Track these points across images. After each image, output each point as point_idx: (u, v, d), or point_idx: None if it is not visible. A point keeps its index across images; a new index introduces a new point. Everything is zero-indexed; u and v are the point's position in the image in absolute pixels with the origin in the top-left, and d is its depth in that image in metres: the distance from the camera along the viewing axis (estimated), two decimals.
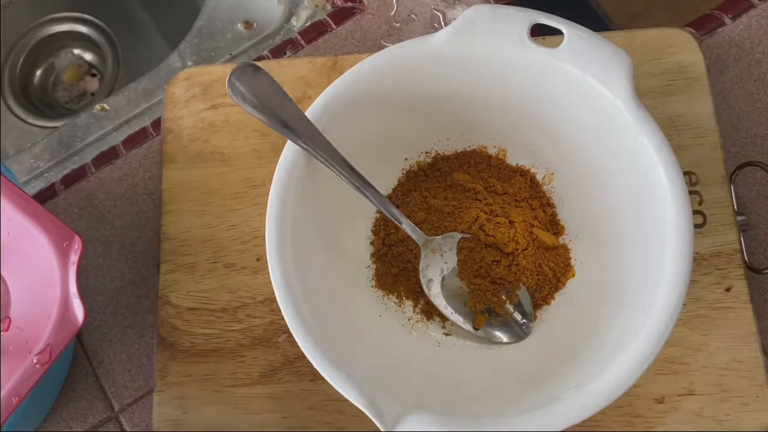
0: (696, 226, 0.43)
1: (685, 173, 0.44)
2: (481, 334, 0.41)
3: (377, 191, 0.39)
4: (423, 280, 0.41)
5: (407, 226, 0.41)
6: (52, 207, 0.51)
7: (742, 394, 0.41)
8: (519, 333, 0.41)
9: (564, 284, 0.42)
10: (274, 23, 0.62)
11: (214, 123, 0.49)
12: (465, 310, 0.41)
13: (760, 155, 0.47)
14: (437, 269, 0.41)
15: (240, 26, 0.62)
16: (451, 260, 0.41)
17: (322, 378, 0.34)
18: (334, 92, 0.39)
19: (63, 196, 0.51)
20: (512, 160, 0.45)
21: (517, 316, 0.41)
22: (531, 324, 0.41)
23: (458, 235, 0.42)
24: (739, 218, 0.44)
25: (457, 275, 0.41)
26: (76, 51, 0.82)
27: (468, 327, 0.41)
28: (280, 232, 0.37)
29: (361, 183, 0.39)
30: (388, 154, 0.44)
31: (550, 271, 0.42)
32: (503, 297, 0.41)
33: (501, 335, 0.41)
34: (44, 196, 0.52)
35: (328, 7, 0.58)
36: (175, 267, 0.46)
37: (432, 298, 0.41)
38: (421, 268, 0.41)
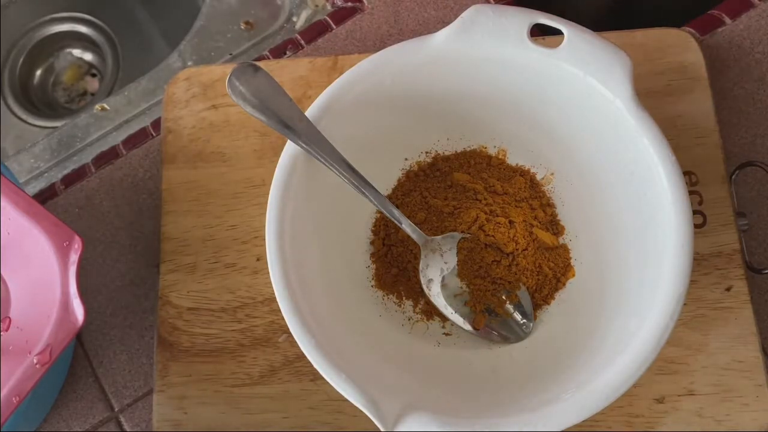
0: (696, 226, 0.43)
1: (685, 173, 0.44)
2: (480, 334, 0.41)
3: (377, 191, 0.39)
4: (423, 280, 0.41)
5: (407, 227, 0.41)
6: (52, 207, 0.51)
7: (742, 394, 0.41)
8: (519, 333, 0.41)
9: (564, 284, 0.42)
10: (274, 23, 0.62)
11: (214, 123, 0.49)
12: (465, 310, 0.41)
13: (760, 155, 0.47)
14: (437, 269, 0.41)
15: (240, 26, 0.62)
16: (451, 260, 0.41)
17: (322, 378, 0.34)
18: (334, 92, 0.39)
19: (63, 196, 0.51)
20: (512, 160, 0.45)
21: (517, 316, 0.41)
22: (531, 324, 0.41)
23: (458, 235, 0.42)
24: (741, 222, 0.44)
25: (457, 275, 0.41)
26: (76, 51, 0.82)
27: (468, 327, 0.41)
28: (280, 232, 0.37)
29: (361, 183, 0.39)
30: (388, 154, 0.44)
31: (550, 271, 0.42)
32: (503, 297, 0.41)
33: (501, 335, 0.41)
34: (44, 196, 0.52)
35: (328, 7, 0.58)
36: (175, 267, 0.46)
37: (432, 298, 0.41)
38: (421, 268, 0.41)
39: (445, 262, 0.41)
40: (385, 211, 0.40)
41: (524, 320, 0.41)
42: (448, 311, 0.41)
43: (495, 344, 0.41)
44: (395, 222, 0.40)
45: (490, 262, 0.41)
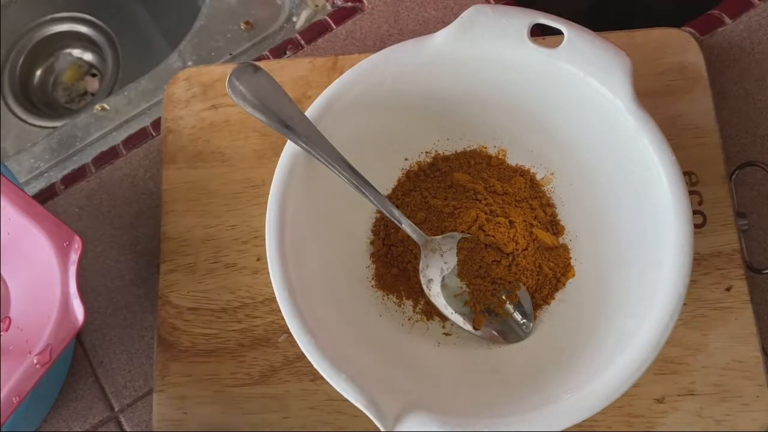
0: (696, 226, 0.43)
1: (685, 173, 0.44)
2: (480, 334, 0.41)
3: (377, 191, 0.40)
4: (423, 280, 0.41)
5: (407, 227, 0.41)
6: (52, 207, 0.51)
7: (742, 394, 0.41)
8: (519, 333, 0.41)
9: (564, 284, 0.42)
10: (274, 23, 0.62)
11: (214, 123, 0.49)
12: (465, 310, 0.41)
13: (760, 155, 0.47)
14: (437, 269, 0.41)
15: (240, 26, 0.62)
16: (451, 260, 0.41)
17: (322, 378, 0.34)
18: (334, 92, 0.39)
19: (63, 196, 0.51)
20: (512, 160, 0.45)
21: (517, 316, 0.41)
22: (531, 324, 0.41)
23: (458, 235, 0.42)
24: (741, 222, 0.44)
25: (457, 275, 0.41)
26: (76, 51, 0.82)
27: (468, 327, 0.41)
28: (280, 232, 0.37)
29: (361, 183, 0.39)
30: (388, 154, 0.44)
31: (550, 271, 0.42)
32: (503, 297, 0.41)
33: (501, 335, 0.41)
34: (44, 196, 0.52)
35: (328, 7, 0.58)
36: (175, 267, 0.46)
37: (432, 298, 0.41)
38: (421, 268, 0.41)
39: (445, 262, 0.41)
40: (385, 211, 0.40)
41: (524, 320, 0.41)
42: (448, 311, 0.41)
43: (495, 344, 0.41)
44: (395, 222, 0.40)
45: (490, 262, 0.41)
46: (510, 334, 0.41)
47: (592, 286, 0.41)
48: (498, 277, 0.41)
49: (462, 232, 0.42)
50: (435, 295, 0.41)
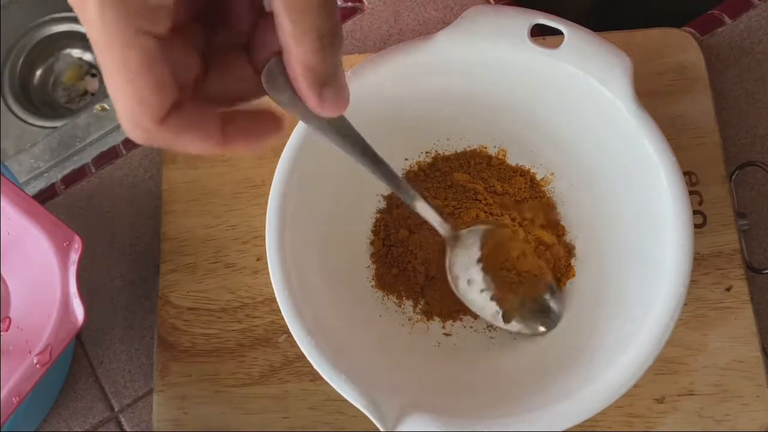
0: (696, 226, 0.43)
1: (685, 173, 0.44)
2: (509, 328, 0.40)
3: (403, 180, 0.37)
4: (450, 277, 0.40)
5: (433, 220, 0.38)
6: (52, 207, 0.51)
7: (742, 394, 0.41)
8: (535, 328, 0.40)
9: (564, 284, 0.42)
10: None
11: None
12: (494, 301, 0.40)
13: (760, 155, 0.47)
14: (462, 262, 0.40)
15: None
16: (475, 253, 0.40)
17: (322, 378, 0.34)
18: None
19: (63, 196, 0.51)
20: (512, 160, 0.45)
21: (537, 318, 0.40)
22: (555, 320, 0.40)
23: (482, 228, 0.41)
24: (741, 222, 0.44)
25: (482, 269, 0.40)
26: (76, 51, 0.82)
27: (495, 320, 0.40)
28: (281, 232, 0.37)
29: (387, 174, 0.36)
30: (388, 154, 0.44)
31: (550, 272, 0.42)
32: (531, 288, 0.40)
33: (527, 328, 0.40)
34: (44, 196, 0.52)
35: None
36: (175, 267, 0.46)
37: (458, 292, 0.40)
38: (447, 263, 0.40)
39: (470, 255, 0.40)
40: (422, 205, 0.37)
41: (546, 317, 0.40)
42: (475, 305, 0.40)
43: (494, 345, 0.41)
44: (417, 212, 0.38)
45: (516, 255, 0.41)
46: (535, 325, 0.40)
47: (592, 286, 0.41)
48: (524, 270, 0.41)
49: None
50: (462, 288, 0.40)
